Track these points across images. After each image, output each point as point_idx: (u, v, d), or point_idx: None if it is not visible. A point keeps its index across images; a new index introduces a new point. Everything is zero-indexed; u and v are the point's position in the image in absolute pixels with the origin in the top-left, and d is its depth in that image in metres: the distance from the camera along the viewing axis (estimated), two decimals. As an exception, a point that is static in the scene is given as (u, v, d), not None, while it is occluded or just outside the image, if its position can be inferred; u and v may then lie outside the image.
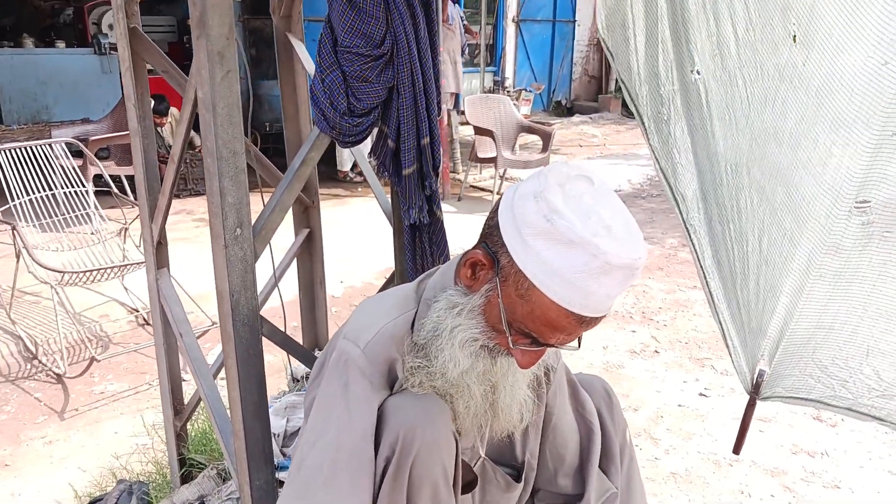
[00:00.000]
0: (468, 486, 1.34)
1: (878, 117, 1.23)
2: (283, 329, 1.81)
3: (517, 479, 1.46)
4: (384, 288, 1.91)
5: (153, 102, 6.04)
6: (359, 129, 1.46)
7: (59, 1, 9.14)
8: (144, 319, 3.96)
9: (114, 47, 7.18)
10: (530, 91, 10.69)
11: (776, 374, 1.51)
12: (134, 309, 4.06)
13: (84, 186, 4.09)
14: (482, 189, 7.26)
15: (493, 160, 6.37)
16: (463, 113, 7.03)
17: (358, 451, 1.15)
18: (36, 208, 3.88)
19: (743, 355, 1.55)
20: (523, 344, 1.13)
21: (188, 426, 2.24)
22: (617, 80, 1.70)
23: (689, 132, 1.47)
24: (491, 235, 1.13)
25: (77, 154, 4.50)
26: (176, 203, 6.32)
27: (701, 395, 3.26)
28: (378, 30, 1.40)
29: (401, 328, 1.23)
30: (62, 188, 3.99)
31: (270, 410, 1.99)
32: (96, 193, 4.32)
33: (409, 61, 1.45)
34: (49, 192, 3.94)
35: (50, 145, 4.06)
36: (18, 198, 3.81)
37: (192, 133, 3.96)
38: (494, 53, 11.39)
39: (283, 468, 1.68)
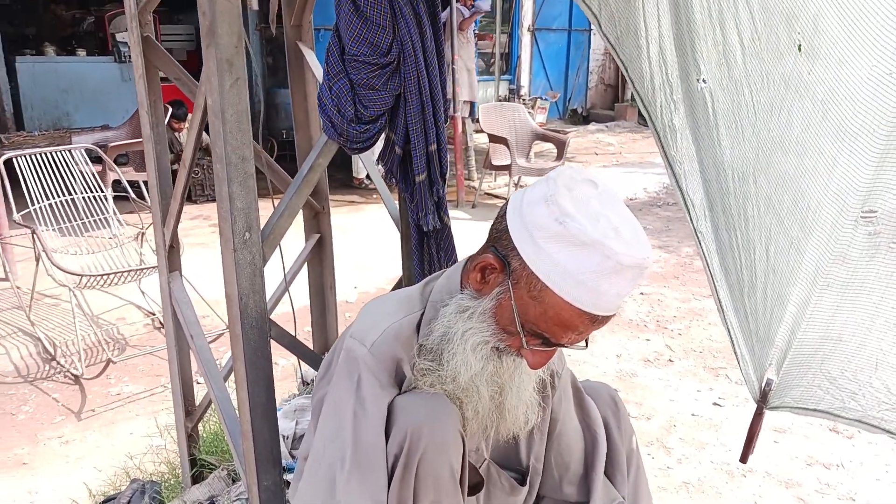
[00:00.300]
0: (475, 488, 1.35)
1: (883, 127, 1.23)
2: (293, 333, 1.83)
3: (522, 483, 1.47)
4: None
5: (171, 108, 6.14)
6: (366, 135, 1.48)
7: (80, 10, 9.29)
8: (160, 322, 4.01)
9: (134, 55, 7.27)
10: (546, 99, 10.70)
11: (784, 384, 1.51)
12: (150, 312, 4.11)
13: (103, 191, 4.15)
14: (496, 196, 7.27)
15: (507, 168, 6.38)
16: (478, 121, 7.06)
17: (374, 446, 1.17)
18: (56, 213, 3.95)
19: (751, 364, 1.55)
20: (535, 344, 1.15)
21: (201, 428, 2.27)
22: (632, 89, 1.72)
23: (695, 140, 1.48)
24: (500, 240, 1.15)
25: (96, 160, 4.58)
26: (193, 208, 6.40)
27: (715, 404, 3.24)
28: (385, 38, 1.43)
29: (406, 329, 1.25)
30: (81, 193, 4.06)
31: (280, 413, 2.01)
32: (115, 198, 4.39)
33: (416, 69, 1.47)
34: (69, 197, 4.00)
35: (70, 151, 4.13)
36: (39, 202, 3.87)
37: (209, 139, 4.03)
38: (510, 62, 11.41)
39: (292, 469, 1.70)
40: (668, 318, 4.23)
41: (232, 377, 1.59)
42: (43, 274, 3.69)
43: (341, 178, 7.25)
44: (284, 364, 3.49)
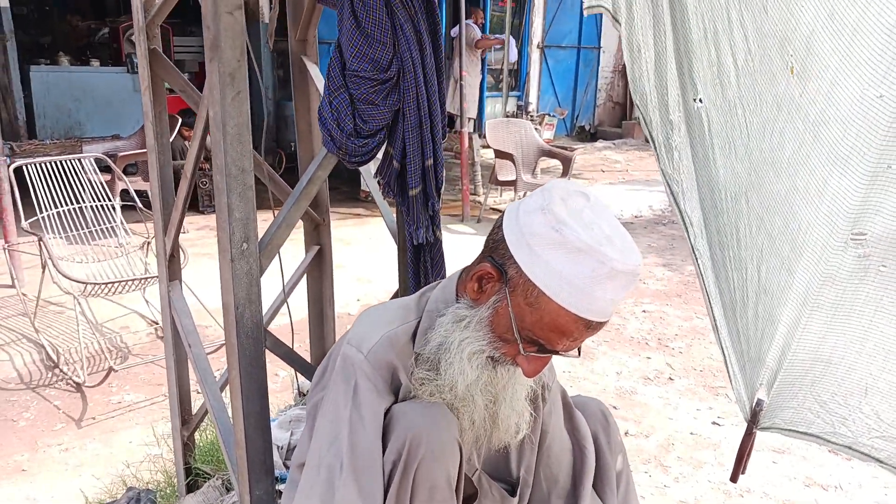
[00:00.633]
0: (469, 499, 1.36)
1: (873, 150, 1.25)
2: (290, 344, 1.85)
3: (512, 494, 1.48)
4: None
5: (181, 118, 6.20)
6: (365, 149, 1.51)
7: (95, 21, 9.41)
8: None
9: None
10: (554, 116, 10.74)
11: (774, 405, 1.51)
12: (154, 321, 4.14)
13: (110, 201, 4.20)
14: (501, 211, 7.28)
15: (513, 183, 6.40)
16: (484, 136, 7.09)
17: (370, 451, 1.19)
18: (63, 221, 3.99)
19: (742, 383, 1.55)
20: (531, 351, 1.18)
21: (197, 437, 2.28)
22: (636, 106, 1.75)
23: (693, 159, 1.50)
24: (496, 249, 1.19)
25: (106, 169, 4.63)
26: (199, 219, 6.44)
27: (714, 423, 3.23)
28: (385, 55, 1.45)
29: (402, 337, 1.27)
30: (90, 202, 4.10)
31: (275, 423, 2.02)
32: (122, 207, 4.44)
33: (415, 86, 1.50)
34: (76, 206, 4.05)
35: (79, 160, 4.18)
36: (47, 210, 3.92)
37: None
38: (519, 78, 11.47)
39: (284, 479, 1.71)
40: (669, 337, 4.23)
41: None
42: (49, 281, 3.72)
43: (347, 190, 7.29)
44: (284, 376, 3.51)
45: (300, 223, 2.07)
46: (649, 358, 3.93)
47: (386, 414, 1.23)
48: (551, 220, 1.11)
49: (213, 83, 1.32)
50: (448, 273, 1.53)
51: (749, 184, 1.43)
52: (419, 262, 1.73)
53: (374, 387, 1.23)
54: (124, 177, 4.52)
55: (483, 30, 9.57)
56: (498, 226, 1.21)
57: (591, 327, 1.14)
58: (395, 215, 1.91)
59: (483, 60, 9.25)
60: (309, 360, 2.14)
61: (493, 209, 7.34)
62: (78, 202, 4.09)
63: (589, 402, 1.61)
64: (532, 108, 11.23)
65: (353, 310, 4.52)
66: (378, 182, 1.66)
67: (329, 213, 2.05)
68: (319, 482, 1.20)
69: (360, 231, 6.22)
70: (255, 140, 1.85)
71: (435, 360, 1.24)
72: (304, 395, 2.18)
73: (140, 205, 4.35)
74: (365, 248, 5.76)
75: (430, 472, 1.18)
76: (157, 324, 4.11)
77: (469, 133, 6.94)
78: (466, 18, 7.38)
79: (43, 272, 3.75)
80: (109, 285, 3.55)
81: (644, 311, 4.65)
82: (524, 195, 6.75)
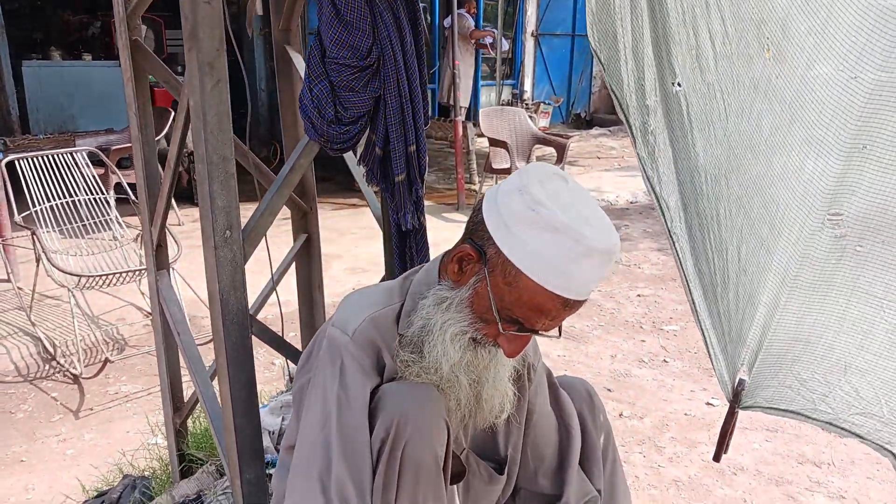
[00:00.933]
0: (456, 476, 1.38)
1: (848, 130, 1.26)
2: (280, 331, 1.86)
3: (500, 472, 1.50)
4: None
5: (173, 111, 6.20)
6: (346, 136, 1.52)
7: (87, 15, 9.38)
8: (159, 323, 4.05)
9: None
10: (549, 104, 10.72)
11: (755, 384, 1.53)
12: (149, 313, 4.16)
13: (104, 194, 4.20)
14: (498, 200, 7.27)
15: (507, 171, 6.41)
16: (478, 125, 7.09)
17: (358, 431, 1.21)
18: (57, 215, 4.01)
19: (724, 364, 1.57)
20: (511, 330, 1.20)
21: (191, 424, 2.30)
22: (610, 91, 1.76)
23: (671, 143, 1.50)
24: (476, 231, 1.21)
25: (99, 163, 4.64)
26: (195, 211, 6.44)
27: (708, 404, 3.26)
28: (365, 42, 1.46)
29: (386, 319, 1.29)
30: (83, 195, 4.11)
31: (266, 409, 2.04)
32: (117, 201, 4.44)
33: (396, 72, 1.50)
34: (70, 200, 4.06)
35: (72, 154, 4.18)
36: (39, 204, 3.93)
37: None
38: (513, 67, 11.44)
39: (275, 463, 1.73)
40: (664, 320, 4.25)
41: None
42: (44, 275, 3.74)
43: (343, 180, 7.29)
44: (280, 363, 3.53)
45: (288, 212, 2.09)
46: (644, 341, 3.95)
47: (373, 394, 1.24)
48: (528, 200, 1.13)
49: (193, 72, 1.33)
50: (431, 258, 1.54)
51: (728, 166, 1.44)
52: (405, 248, 1.74)
53: (360, 367, 1.25)
54: (117, 170, 4.52)
55: (476, 19, 9.55)
56: (478, 208, 1.23)
57: (569, 306, 1.16)
58: (380, 202, 1.93)
59: (477, 50, 9.22)
60: (300, 346, 2.16)
61: (489, 197, 7.33)
62: (71, 196, 4.10)
63: (574, 382, 1.63)
64: (527, 96, 11.20)
65: (348, 299, 4.53)
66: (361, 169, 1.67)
67: (316, 200, 2.06)
68: (316, 462, 1.21)
69: (355, 221, 6.23)
70: (243, 130, 1.87)
71: (418, 343, 1.26)
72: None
73: (133, 198, 4.35)
74: (360, 237, 5.77)
75: (417, 451, 1.19)
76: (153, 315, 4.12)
77: (463, 122, 6.93)
78: (459, 8, 7.36)
79: (37, 266, 3.77)
80: (104, 277, 3.57)
81: (639, 296, 4.67)
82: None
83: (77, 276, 3.49)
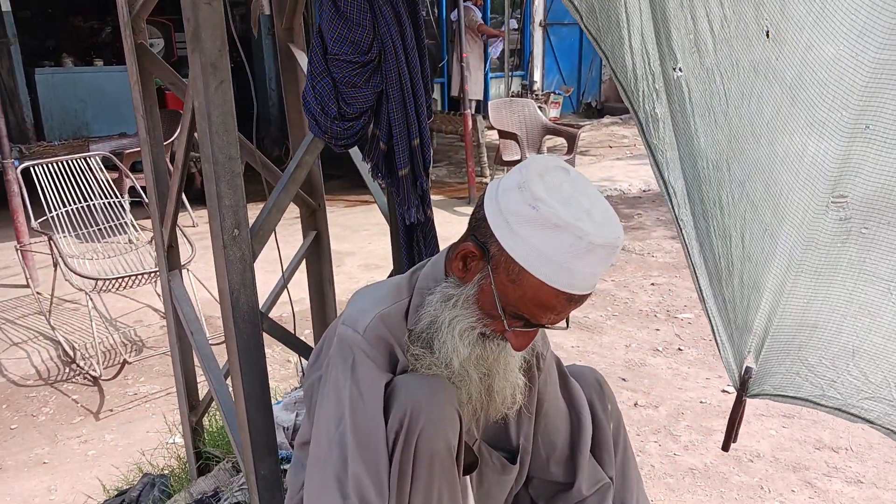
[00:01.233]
0: (469, 467, 1.39)
1: (850, 111, 1.25)
2: (293, 329, 1.88)
3: (512, 461, 1.51)
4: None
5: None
6: (350, 132, 1.53)
7: (98, 21, 9.46)
8: (176, 324, 4.10)
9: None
10: (559, 94, 10.69)
11: (763, 372, 1.52)
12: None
13: (118, 198, 4.26)
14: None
15: (518, 163, 6.40)
16: (487, 117, 7.08)
17: (373, 427, 1.22)
18: (73, 220, 4.06)
19: (730, 352, 1.57)
20: (517, 326, 1.20)
21: (207, 423, 2.34)
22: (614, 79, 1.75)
23: (673, 129, 1.50)
24: (479, 228, 1.20)
25: (114, 167, 4.69)
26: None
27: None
28: (365, 37, 1.47)
29: (395, 315, 1.30)
30: (98, 200, 4.17)
31: (280, 405, 2.07)
32: (131, 204, 4.50)
33: (397, 66, 1.51)
34: (85, 204, 4.11)
35: (86, 159, 4.24)
36: (56, 210, 3.98)
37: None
38: (522, 58, 11.41)
39: (289, 459, 1.75)
40: (678, 308, 4.23)
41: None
42: (62, 279, 3.80)
43: (355, 177, 7.31)
44: (296, 361, 3.56)
45: (297, 210, 2.11)
46: (658, 330, 3.94)
47: (387, 387, 1.25)
48: (528, 197, 1.13)
49: (196, 73, 1.34)
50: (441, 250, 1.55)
51: (730, 151, 1.44)
52: (412, 242, 1.75)
53: (372, 364, 1.26)
54: (131, 174, 4.57)
55: (483, 10, 9.52)
56: (479, 204, 1.23)
57: (574, 300, 1.16)
58: (386, 197, 1.94)
59: (485, 43, 9.22)
60: (314, 344, 2.18)
61: (500, 190, 7.33)
62: (86, 200, 4.16)
63: (584, 371, 1.63)
64: (537, 86, 11.18)
65: (361, 295, 4.56)
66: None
67: (324, 197, 2.08)
68: (332, 460, 1.22)
69: (368, 218, 6.25)
70: (251, 129, 1.89)
71: (427, 338, 1.27)
72: (308, 377, 2.23)
73: (147, 201, 4.40)
74: (373, 234, 5.79)
75: (431, 440, 1.20)
76: (170, 316, 4.17)
77: (473, 115, 6.93)
78: (465, 1, 7.35)
79: (55, 271, 3.83)
80: (120, 280, 3.61)
81: (653, 284, 4.66)
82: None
83: (94, 279, 3.54)
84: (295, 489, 1.42)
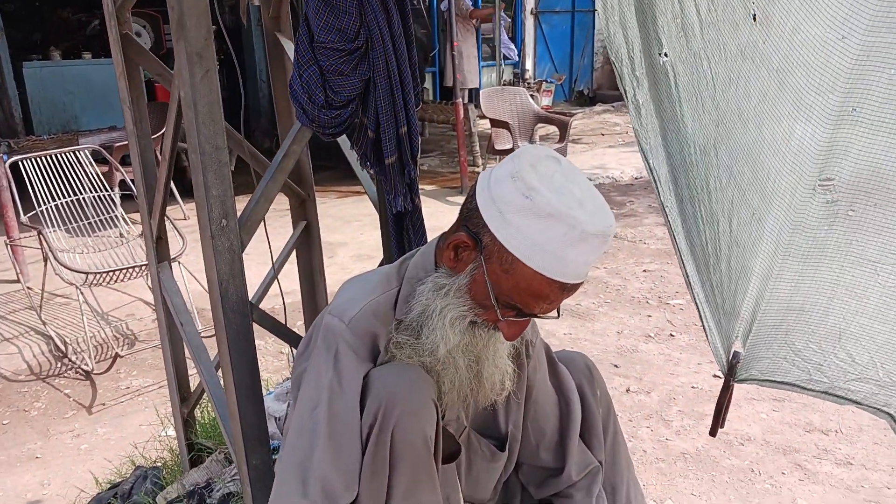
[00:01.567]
0: (452, 456, 1.39)
1: (837, 93, 1.25)
2: (283, 320, 1.88)
3: (501, 449, 1.51)
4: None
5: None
6: (337, 120, 1.52)
7: (85, 13, 9.38)
8: (168, 317, 4.09)
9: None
10: (551, 82, 10.67)
11: (750, 357, 1.53)
12: (158, 307, 4.19)
13: (108, 191, 4.23)
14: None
15: (510, 152, 6.39)
16: (479, 106, 7.07)
17: (348, 419, 1.22)
18: (63, 214, 4.04)
19: (718, 337, 1.57)
20: (510, 316, 1.21)
21: (200, 414, 2.33)
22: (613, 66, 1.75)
23: (658, 114, 1.50)
24: (471, 218, 1.20)
25: (103, 161, 4.66)
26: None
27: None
28: (352, 25, 1.46)
29: (383, 305, 1.30)
30: (87, 193, 4.15)
31: (272, 395, 2.07)
32: (122, 197, 4.47)
33: (384, 54, 1.51)
34: (75, 198, 4.09)
35: (75, 153, 4.21)
36: (45, 204, 3.96)
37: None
38: (514, 46, 11.37)
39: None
40: (670, 294, 4.25)
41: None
42: (52, 274, 3.78)
43: (346, 168, 7.29)
44: (288, 352, 3.56)
45: (287, 200, 2.11)
46: (650, 316, 3.96)
47: (364, 380, 1.25)
48: (521, 186, 1.13)
49: (182, 63, 1.33)
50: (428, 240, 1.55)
51: (717, 136, 1.43)
52: (402, 231, 1.75)
53: (355, 355, 1.26)
54: (121, 167, 4.54)
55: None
56: (471, 194, 1.22)
57: (567, 290, 1.17)
58: (376, 186, 1.94)
59: (477, 30, 9.17)
60: (304, 334, 2.18)
61: (493, 179, 7.32)
62: (76, 194, 4.13)
63: (574, 356, 1.64)
64: (529, 75, 11.15)
65: (354, 286, 4.56)
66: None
67: (313, 188, 2.07)
68: (300, 448, 1.23)
69: (360, 208, 6.24)
70: (239, 119, 1.88)
71: (417, 327, 1.27)
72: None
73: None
74: (365, 224, 5.79)
75: (406, 431, 1.20)
76: (162, 309, 4.16)
77: (465, 103, 6.91)
78: (456, -12, 7.31)
79: (45, 265, 3.81)
80: (111, 274, 3.60)
81: (645, 271, 4.67)
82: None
83: (84, 273, 3.53)
84: None
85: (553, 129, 7.80)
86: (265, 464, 1.60)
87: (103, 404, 3.25)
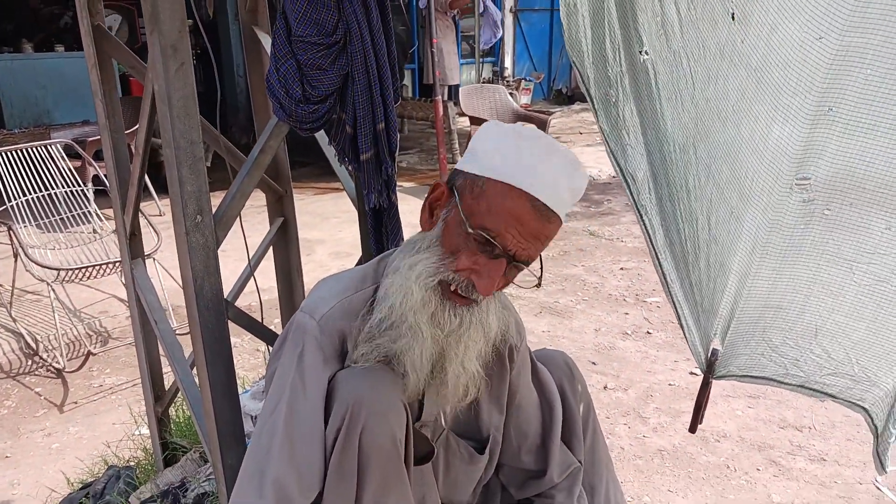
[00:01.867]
0: (425, 458, 1.38)
1: (814, 93, 1.26)
2: (260, 317, 1.86)
3: (481, 451, 1.50)
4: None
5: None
6: (315, 115, 1.50)
7: (58, 6, 9.22)
8: (142, 314, 4.03)
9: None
10: (530, 80, 10.69)
11: (728, 353, 1.54)
12: (132, 304, 4.13)
13: (81, 186, 4.16)
14: (481, 179, 7.27)
15: (489, 150, 6.39)
16: (458, 104, 7.06)
17: (308, 418, 1.20)
18: (34, 209, 3.96)
19: (697, 334, 1.58)
20: (483, 248, 1.16)
21: (174, 413, 2.30)
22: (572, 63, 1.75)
23: (639, 113, 1.50)
24: (449, 180, 1.25)
25: (76, 155, 4.58)
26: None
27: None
28: (330, 18, 1.44)
29: (357, 304, 1.28)
30: (60, 188, 4.07)
31: (248, 394, 2.04)
32: (95, 193, 4.40)
33: (363, 48, 1.49)
34: (46, 193, 4.01)
35: (46, 147, 4.13)
36: (15, 199, 3.88)
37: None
38: (493, 44, 11.38)
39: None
40: (647, 292, 4.27)
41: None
42: (23, 270, 3.70)
43: (324, 164, 7.23)
44: (264, 350, 3.52)
45: (262, 196, 2.08)
46: (627, 314, 3.98)
47: (330, 382, 1.23)
48: (493, 124, 1.25)
49: (156, 56, 1.31)
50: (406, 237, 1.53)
51: (696, 134, 1.44)
52: (381, 228, 1.73)
53: (321, 353, 1.23)
54: (94, 162, 4.47)
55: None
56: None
57: (539, 211, 1.14)
58: (354, 183, 1.92)
59: (456, 25, 9.16)
60: (280, 332, 2.15)
61: (471, 177, 7.32)
62: (48, 189, 4.05)
63: (554, 355, 1.63)
64: (508, 73, 11.16)
65: (332, 283, 4.53)
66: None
67: (291, 183, 2.04)
68: (260, 448, 1.21)
69: (338, 205, 6.20)
70: (215, 115, 1.85)
71: (384, 308, 1.22)
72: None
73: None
74: (343, 221, 5.75)
75: (374, 434, 1.18)
76: (136, 307, 4.10)
77: (444, 101, 6.90)
78: (435, -15, 7.29)
79: (16, 261, 3.73)
80: (83, 270, 3.54)
81: (622, 269, 4.70)
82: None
83: (56, 269, 3.46)
84: None
85: (530, 127, 7.82)
86: (240, 462, 1.57)
87: (75, 403, 3.19)
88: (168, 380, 2.18)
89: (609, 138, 1.48)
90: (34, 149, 4.08)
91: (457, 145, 7.52)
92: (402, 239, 1.74)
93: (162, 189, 5.84)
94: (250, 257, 1.84)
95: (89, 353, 3.43)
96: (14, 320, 3.85)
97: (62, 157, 4.17)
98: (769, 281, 1.43)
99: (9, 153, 3.99)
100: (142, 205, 1.89)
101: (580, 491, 1.56)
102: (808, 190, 1.34)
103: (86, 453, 2.72)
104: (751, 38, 1.32)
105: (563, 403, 1.57)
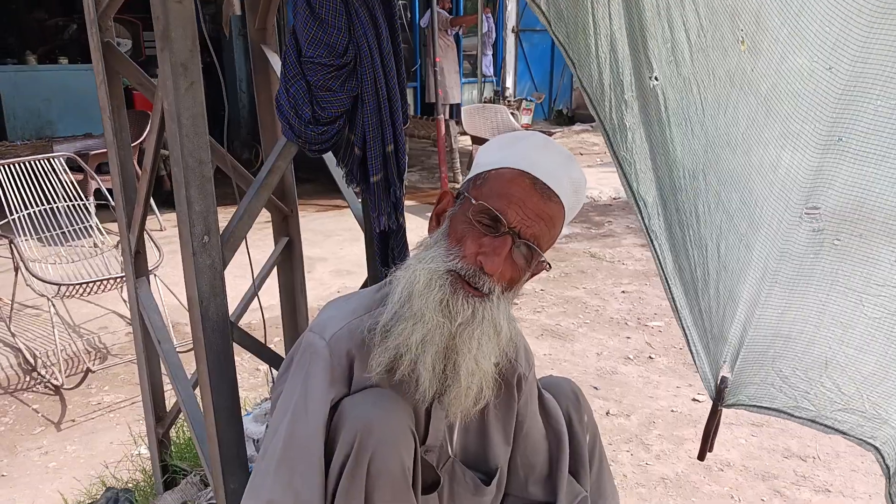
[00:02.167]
0: (431, 486, 1.36)
1: (823, 123, 1.26)
2: (263, 337, 1.85)
3: (487, 483, 1.47)
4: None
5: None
6: (324, 136, 1.50)
7: (63, 17, 9.27)
8: (142, 330, 4.01)
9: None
10: (531, 100, 10.74)
11: (738, 382, 1.52)
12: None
13: (83, 200, 4.15)
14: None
15: (490, 169, 6.40)
16: (460, 122, 7.08)
17: (308, 442, 1.18)
18: (35, 223, 3.95)
19: (706, 362, 1.57)
20: (485, 224, 1.18)
21: (175, 435, 2.28)
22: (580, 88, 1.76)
23: (647, 138, 1.50)
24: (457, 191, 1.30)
25: (79, 169, 4.58)
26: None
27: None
28: (340, 40, 1.45)
29: (365, 327, 1.26)
30: (62, 202, 4.06)
31: (250, 417, 2.02)
32: (97, 207, 4.39)
33: (373, 70, 1.49)
34: (48, 207, 4.00)
35: (49, 160, 4.13)
36: (17, 212, 3.87)
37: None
38: (495, 64, 11.45)
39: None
40: (648, 316, 4.26)
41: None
42: (23, 284, 3.68)
43: (327, 182, 7.24)
44: (265, 370, 3.50)
45: (268, 215, 2.07)
46: (629, 338, 3.96)
47: (337, 406, 1.21)
48: (502, 135, 1.34)
49: (166, 74, 1.31)
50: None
51: (706, 161, 1.44)
52: (387, 249, 1.73)
53: (328, 375, 1.21)
54: (96, 176, 4.46)
55: (452, 14, 9.53)
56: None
57: (540, 189, 1.20)
58: (361, 203, 1.91)
59: (458, 43, 9.23)
60: (284, 352, 2.14)
61: (473, 196, 7.32)
62: (50, 203, 4.05)
63: (561, 383, 1.62)
64: (509, 93, 11.22)
65: (333, 301, 4.51)
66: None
67: (297, 203, 2.04)
68: (259, 471, 1.21)
69: (340, 223, 6.20)
70: (221, 132, 1.85)
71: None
72: (279, 387, 2.19)
73: (114, 204, 4.31)
74: (345, 239, 5.74)
75: (383, 461, 1.16)
76: (136, 323, 4.08)
77: (446, 120, 6.92)
78: (436, 4, 7.35)
79: (16, 275, 3.71)
80: (84, 286, 3.52)
81: (623, 292, 4.68)
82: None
83: (56, 284, 3.44)
84: None
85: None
86: (243, 488, 1.55)
87: (73, 420, 3.16)
88: (169, 400, 2.16)
89: (624, 162, 1.48)
90: (37, 162, 4.08)
91: (458, 164, 7.53)
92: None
93: (163, 204, 5.83)
94: (255, 277, 1.83)
95: (88, 370, 3.40)
96: (13, 335, 3.83)
97: (65, 171, 4.16)
98: (778, 310, 1.42)
99: (12, 166, 3.98)
100: (145, 222, 1.88)
101: None
102: (817, 219, 1.33)
103: (83, 473, 2.69)
104: (760, 66, 1.32)
105: (570, 433, 1.55)
